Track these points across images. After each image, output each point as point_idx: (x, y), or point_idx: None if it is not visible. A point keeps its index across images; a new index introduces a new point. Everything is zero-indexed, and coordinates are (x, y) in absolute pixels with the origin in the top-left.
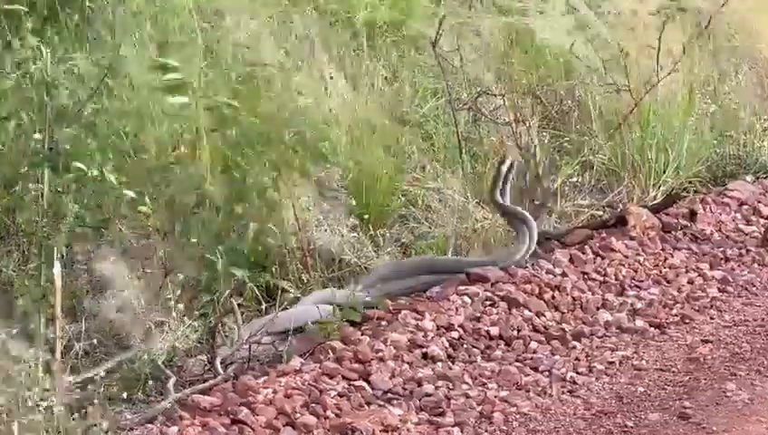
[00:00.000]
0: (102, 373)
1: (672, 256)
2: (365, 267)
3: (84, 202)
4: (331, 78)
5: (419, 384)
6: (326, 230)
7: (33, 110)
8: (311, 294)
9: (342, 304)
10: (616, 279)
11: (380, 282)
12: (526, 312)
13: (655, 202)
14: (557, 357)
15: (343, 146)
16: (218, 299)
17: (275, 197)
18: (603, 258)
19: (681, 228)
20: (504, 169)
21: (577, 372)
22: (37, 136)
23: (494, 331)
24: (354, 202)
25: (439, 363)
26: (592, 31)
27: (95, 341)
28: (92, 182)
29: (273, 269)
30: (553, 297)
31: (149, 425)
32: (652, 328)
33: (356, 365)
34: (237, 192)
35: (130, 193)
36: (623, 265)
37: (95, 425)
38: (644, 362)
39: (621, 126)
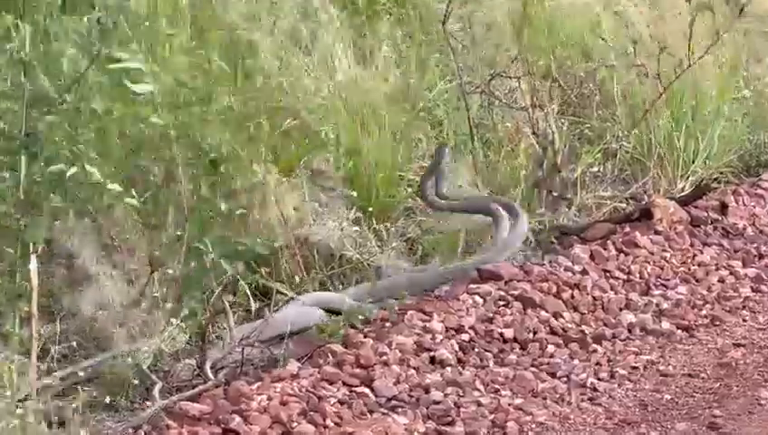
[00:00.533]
0: (82, 377)
1: (701, 253)
2: (368, 264)
3: (65, 193)
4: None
5: (427, 391)
6: (325, 224)
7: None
8: (307, 294)
9: (341, 309)
10: (640, 277)
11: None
12: (543, 312)
13: (683, 194)
14: (576, 362)
15: (344, 131)
16: (208, 298)
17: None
18: (627, 255)
19: (711, 222)
20: (442, 158)
21: (598, 378)
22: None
23: (508, 333)
24: (356, 193)
25: (448, 368)
26: (620, 11)
27: (74, 343)
28: (75, 173)
29: (265, 268)
30: (572, 297)
31: (134, 434)
32: (679, 330)
33: (358, 370)
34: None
35: (115, 186)
36: (648, 263)
37: None
38: (670, 367)
39: (649, 112)
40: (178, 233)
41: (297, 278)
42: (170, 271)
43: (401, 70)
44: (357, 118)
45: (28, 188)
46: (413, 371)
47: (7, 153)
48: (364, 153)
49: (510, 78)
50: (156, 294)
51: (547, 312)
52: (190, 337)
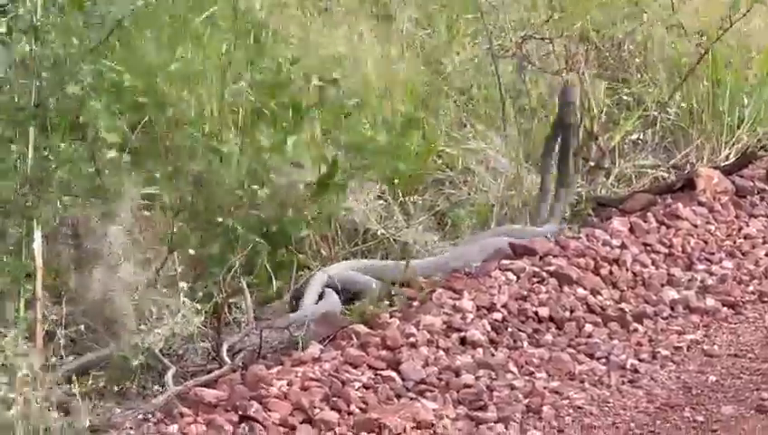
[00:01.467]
0: (90, 362)
1: (747, 225)
2: (393, 239)
3: (78, 168)
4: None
5: (457, 374)
6: (349, 198)
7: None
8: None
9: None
10: (683, 251)
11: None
12: (580, 290)
13: (728, 162)
14: (615, 342)
15: (367, 100)
16: (224, 278)
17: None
18: (668, 227)
19: (758, 193)
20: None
21: (639, 359)
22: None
23: (543, 312)
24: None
25: (480, 350)
26: None
27: (82, 326)
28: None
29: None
30: (611, 273)
31: (145, 422)
32: (725, 308)
33: (384, 352)
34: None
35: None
36: (691, 236)
37: (78, 424)
38: (716, 346)
39: (690, 74)
40: (200, 209)
41: (324, 252)
42: (191, 251)
43: (428, 33)
44: (381, 86)
45: (35, 163)
46: (442, 352)
47: (15, 125)
48: (389, 123)
49: (543, 40)
50: (172, 274)
51: (584, 289)
52: (205, 319)
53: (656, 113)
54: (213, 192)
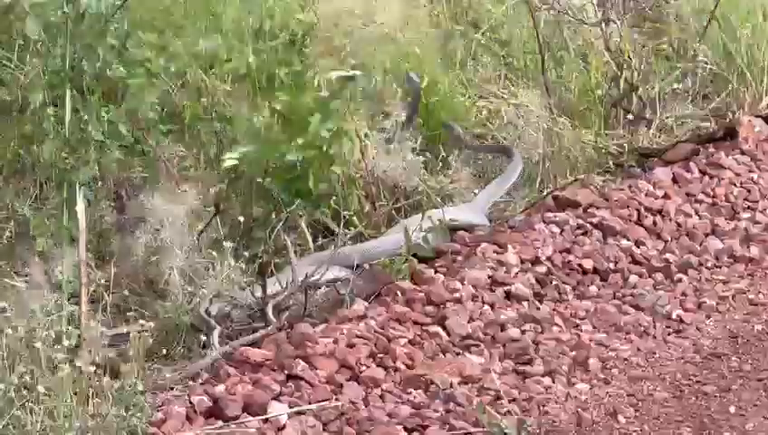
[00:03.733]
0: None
1: None
2: (437, 196)
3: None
4: None
5: (503, 328)
6: (389, 154)
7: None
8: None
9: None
10: (727, 201)
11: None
12: (624, 241)
13: None
14: (661, 292)
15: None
16: (269, 235)
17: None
18: (711, 177)
19: None
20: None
21: (684, 310)
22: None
23: (588, 264)
24: (421, 120)
25: (525, 303)
26: None
27: (126, 290)
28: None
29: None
30: (655, 223)
31: (192, 383)
32: None
33: (429, 308)
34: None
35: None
36: (734, 185)
37: (129, 386)
38: (761, 295)
39: (714, 15)
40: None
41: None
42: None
43: None
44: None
45: (73, 126)
46: (487, 307)
47: (52, 87)
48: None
49: None
50: (215, 236)
51: (628, 240)
52: (250, 280)
53: (694, 64)
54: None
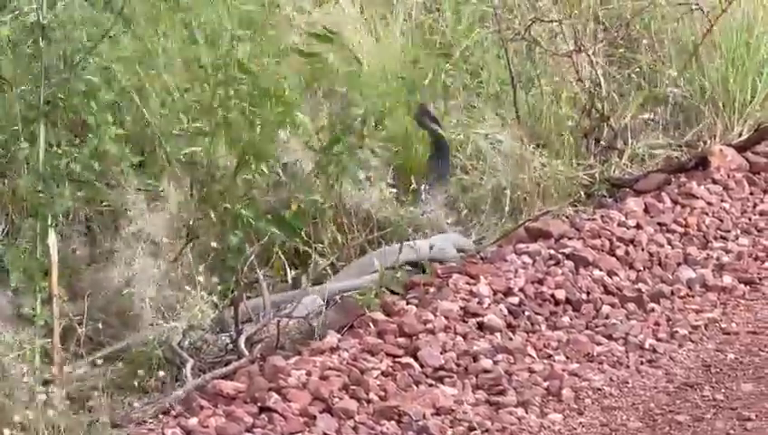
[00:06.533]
0: (108, 357)
1: (762, 202)
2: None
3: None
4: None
5: (475, 359)
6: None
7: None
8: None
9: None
10: (698, 230)
11: None
12: (596, 271)
13: (740, 139)
14: (633, 322)
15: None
16: (241, 268)
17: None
18: (683, 206)
19: None
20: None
21: (657, 339)
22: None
23: (560, 294)
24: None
25: (498, 334)
26: None
27: (99, 323)
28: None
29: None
30: (627, 253)
31: (164, 416)
32: (742, 285)
33: (401, 340)
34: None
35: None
36: (706, 214)
37: (99, 420)
38: (734, 324)
39: (698, 49)
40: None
41: (340, 240)
42: (213, 243)
43: (434, 16)
44: (386, 70)
45: (46, 160)
46: (460, 338)
47: (26, 122)
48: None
49: (551, 22)
50: (187, 272)
51: (601, 270)
52: (222, 313)
53: (667, 91)
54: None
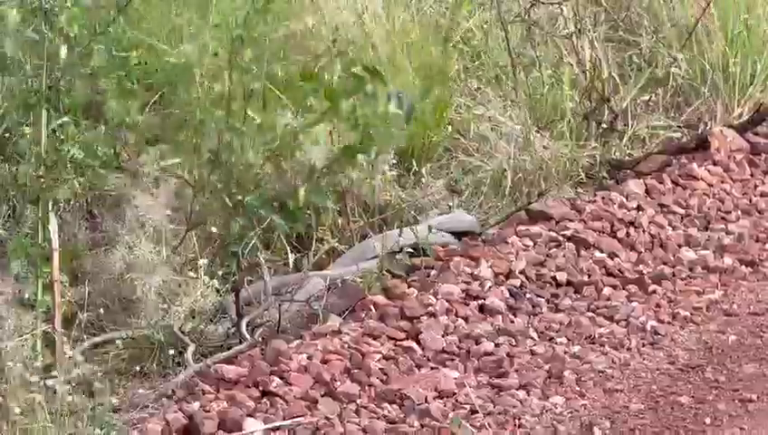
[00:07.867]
0: (110, 342)
1: (763, 183)
2: (410, 210)
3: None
4: None
5: (477, 342)
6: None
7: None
8: None
9: None
10: (699, 211)
11: None
12: (597, 253)
13: (741, 120)
14: (635, 304)
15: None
16: (243, 252)
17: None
18: (684, 188)
19: None
20: None
21: (659, 321)
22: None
23: (561, 276)
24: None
25: (499, 317)
26: None
27: (101, 308)
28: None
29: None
30: (628, 235)
31: (167, 401)
32: (743, 266)
33: (403, 323)
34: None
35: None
36: (707, 195)
37: (102, 404)
38: (735, 305)
39: (696, 27)
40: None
41: (341, 224)
42: (213, 229)
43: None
44: (388, 52)
45: (49, 145)
46: (462, 321)
47: (27, 108)
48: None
49: (552, 4)
50: (191, 255)
51: (602, 252)
52: (224, 298)
53: (666, 72)
54: (230, 170)
